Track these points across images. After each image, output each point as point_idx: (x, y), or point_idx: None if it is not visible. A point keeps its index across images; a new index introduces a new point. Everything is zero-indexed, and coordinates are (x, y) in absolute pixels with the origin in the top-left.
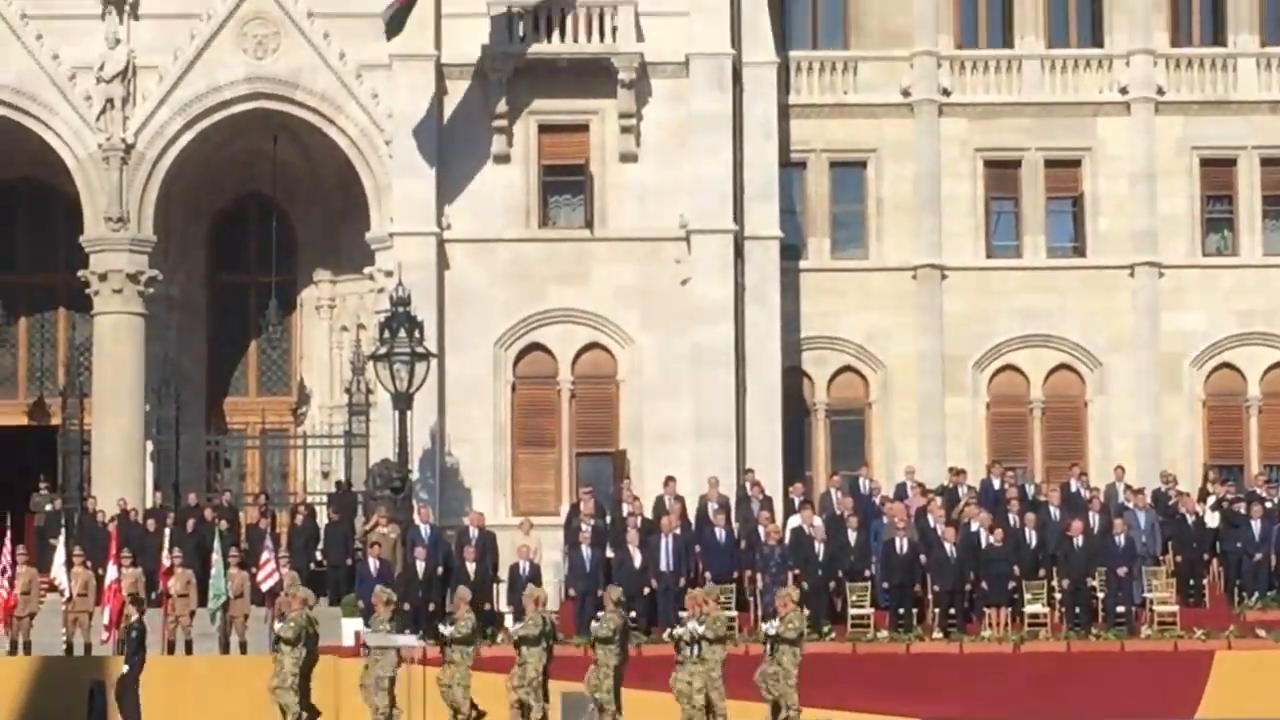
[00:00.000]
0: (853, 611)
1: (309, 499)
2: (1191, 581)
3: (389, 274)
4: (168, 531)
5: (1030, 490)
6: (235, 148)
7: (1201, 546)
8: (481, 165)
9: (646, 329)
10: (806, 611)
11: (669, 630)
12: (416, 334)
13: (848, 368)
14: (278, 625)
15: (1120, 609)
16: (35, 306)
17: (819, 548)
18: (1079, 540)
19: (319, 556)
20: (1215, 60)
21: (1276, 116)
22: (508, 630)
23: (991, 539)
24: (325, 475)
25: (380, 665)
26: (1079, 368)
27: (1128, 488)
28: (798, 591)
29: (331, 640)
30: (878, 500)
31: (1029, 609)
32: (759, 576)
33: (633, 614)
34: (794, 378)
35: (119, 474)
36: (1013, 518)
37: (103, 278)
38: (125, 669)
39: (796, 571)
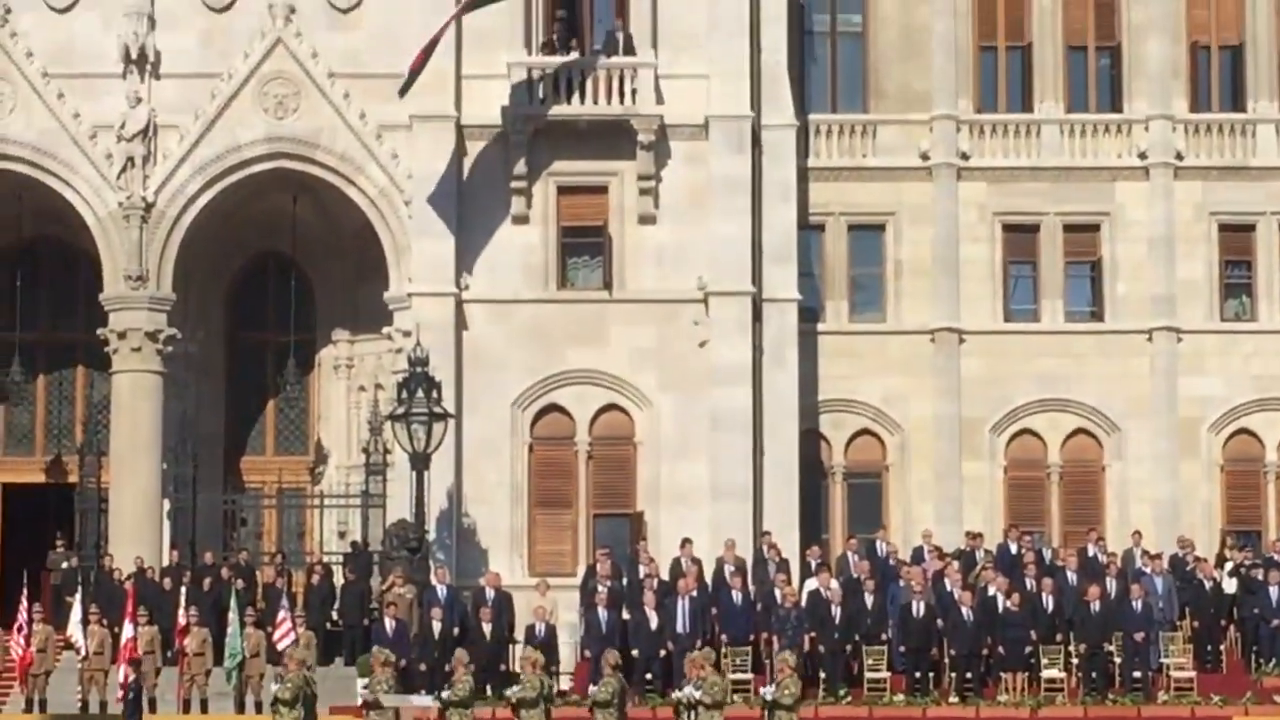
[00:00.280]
0: (869, 675)
1: (325, 559)
2: (1209, 647)
3: (407, 334)
4: (184, 590)
5: (1047, 555)
6: (255, 207)
7: (1219, 612)
8: (500, 226)
9: (664, 390)
10: (821, 674)
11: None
12: (434, 394)
13: (865, 430)
14: (274, 687)
15: (1137, 674)
16: (54, 364)
17: (835, 611)
18: (1096, 605)
19: (335, 616)
20: (1234, 126)
21: None
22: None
23: (1008, 603)
24: (342, 535)
25: None
26: (1097, 432)
27: (1145, 553)
28: (794, 657)
29: (346, 700)
30: (894, 564)
31: (1046, 674)
32: (775, 639)
33: (649, 675)
34: (811, 440)
35: (136, 532)
36: (1029, 582)
37: (122, 336)
38: None
39: (813, 634)
